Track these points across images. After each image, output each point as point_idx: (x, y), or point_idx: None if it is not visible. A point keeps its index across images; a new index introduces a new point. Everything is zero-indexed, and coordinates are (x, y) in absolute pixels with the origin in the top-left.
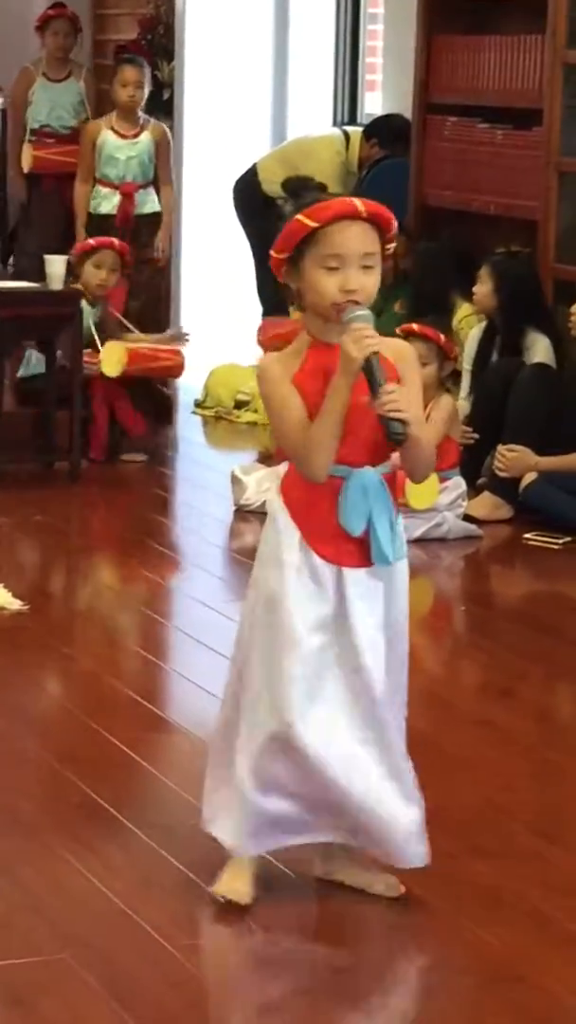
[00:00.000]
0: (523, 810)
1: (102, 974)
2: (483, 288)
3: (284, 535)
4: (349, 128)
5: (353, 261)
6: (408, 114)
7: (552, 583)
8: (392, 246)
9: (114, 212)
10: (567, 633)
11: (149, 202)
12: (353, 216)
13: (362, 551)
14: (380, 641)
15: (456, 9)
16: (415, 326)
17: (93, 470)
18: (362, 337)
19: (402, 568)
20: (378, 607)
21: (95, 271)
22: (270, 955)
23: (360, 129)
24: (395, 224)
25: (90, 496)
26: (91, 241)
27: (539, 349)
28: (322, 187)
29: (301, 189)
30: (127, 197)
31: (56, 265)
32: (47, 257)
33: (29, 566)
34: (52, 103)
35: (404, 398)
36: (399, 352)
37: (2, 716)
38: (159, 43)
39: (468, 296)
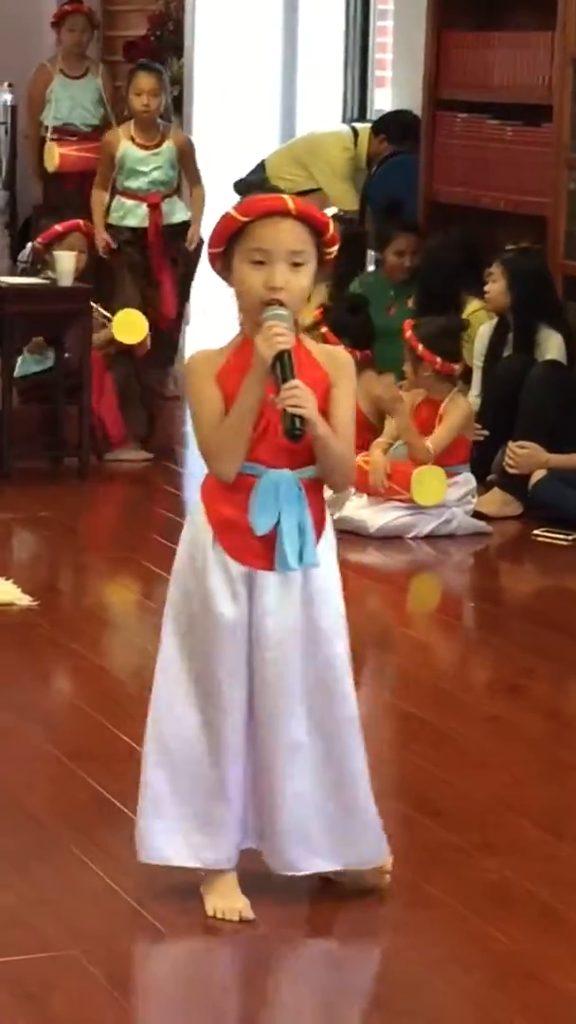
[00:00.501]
0: (532, 806)
1: (112, 970)
2: (496, 285)
3: (200, 535)
4: (358, 124)
5: (280, 257)
6: (418, 110)
7: (561, 579)
8: (334, 249)
9: (142, 225)
10: None
11: (177, 211)
12: (283, 212)
13: (271, 554)
14: (288, 649)
15: (465, 5)
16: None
17: (102, 467)
18: (273, 335)
19: (323, 575)
20: (291, 613)
21: None
22: (278, 953)
23: (369, 125)
24: (331, 226)
25: (99, 493)
26: (58, 227)
27: (552, 346)
28: (275, 189)
29: (253, 190)
30: (154, 208)
31: (65, 261)
32: (56, 253)
33: (38, 562)
34: (73, 100)
35: (305, 395)
36: (333, 357)
37: (11, 712)
38: (168, 39)
39: (477, 292)
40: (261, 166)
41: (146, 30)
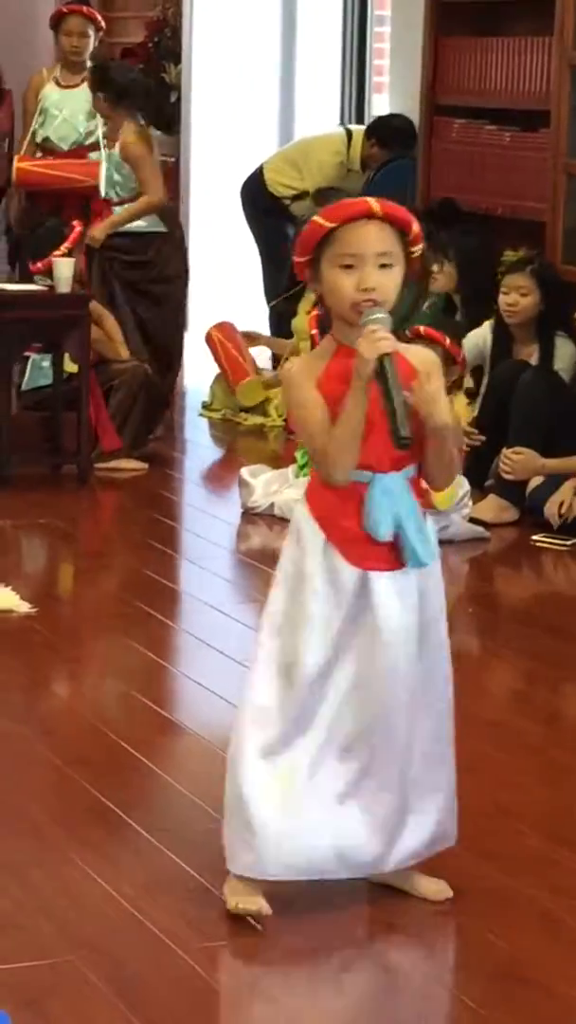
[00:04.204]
0: (531, 811)
1: (111, 977)
2: (528, 299)
3: (309, 543)
4: (353, 126)
5: (369, 260)
6: (415, 116)
7: (559, 585)
8: (419, 248)
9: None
10: (575, 634)
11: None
12: (368, 215)
13: (390, 555)
14: (407, 644)
15: (463, 11)
16: (421, 328)
17: (101, 473)
18: (376, 339)
19: (436, 569)
20: (409, 609)
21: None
22: (277, 958)
23: (363, 128)
24: (415, 226)
25: (97, 499)
26: (66, 244)
27: (564, 354)
28: (340, 195)
29: (330, 198)
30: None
31: (63, 268)
32: (54, 260)
33: (37, 569)
34: (60, 113)
35: (430, 395)
36: (423, 359)
37: (11, 719)
38: (166, 46)
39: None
40: (259, 169)
41: (144, 36)
